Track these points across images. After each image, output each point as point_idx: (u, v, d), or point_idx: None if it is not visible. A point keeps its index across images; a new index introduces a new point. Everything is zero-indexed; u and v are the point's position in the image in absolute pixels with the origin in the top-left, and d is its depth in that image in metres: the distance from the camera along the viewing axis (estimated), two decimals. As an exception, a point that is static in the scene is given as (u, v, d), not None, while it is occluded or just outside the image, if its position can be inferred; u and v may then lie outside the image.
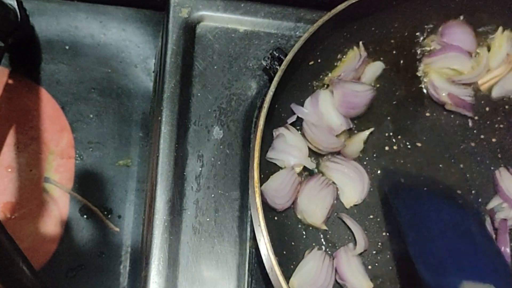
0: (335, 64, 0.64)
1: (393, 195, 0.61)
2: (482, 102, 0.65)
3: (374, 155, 0.63)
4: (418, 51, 0.66)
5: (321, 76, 0.64)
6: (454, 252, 0.55)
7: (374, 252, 0.61)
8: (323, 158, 0.62)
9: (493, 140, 0.64)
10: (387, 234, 0.61)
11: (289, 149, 0.59)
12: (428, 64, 0.65)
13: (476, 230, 0.58)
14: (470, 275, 0.53)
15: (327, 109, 0.62)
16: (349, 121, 0.62)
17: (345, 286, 0.58)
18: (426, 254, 0.55)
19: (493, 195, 0.62)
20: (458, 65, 0.65)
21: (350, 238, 0.61)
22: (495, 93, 0.65)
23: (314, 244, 0.60)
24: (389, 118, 0.64)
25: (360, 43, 0.64)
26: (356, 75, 0.64)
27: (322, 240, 0.60)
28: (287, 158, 0.59)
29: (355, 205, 0.61)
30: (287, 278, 0.55)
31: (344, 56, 0.64)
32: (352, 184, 0.61)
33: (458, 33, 0.65)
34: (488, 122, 0.65)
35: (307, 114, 0.61)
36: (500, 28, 0.65)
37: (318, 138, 0.60)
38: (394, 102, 0.65)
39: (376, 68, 0.65)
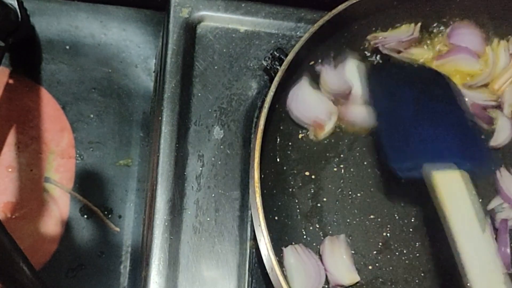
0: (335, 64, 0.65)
1: (372, 74, 0.60)
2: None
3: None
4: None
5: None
6: (423, 134, 0.54)
7: (375, 252, 0.61)
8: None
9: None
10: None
11: None
12: (437, 67, 0.65)
13: (451, 109, 0.56)
14: (433, 156, 0.52)
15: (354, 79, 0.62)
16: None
17: (331, 278, 0.58)
18: (393, 132, 0.54)
19: (494, 195, 0.62)
20: (468, 67, 0.64)
21: (353, 234, 0.61)
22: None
23: (315, 244, 0.60)
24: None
25: (418, 24, 0.64)
26: (397, 47, 0.63)
27: (323, 239, 0.60)
28: None
29: (357, 203, 0.61)
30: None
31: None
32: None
33: (466, 34, 0.65)
34: (488, 123, 0.65)
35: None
36: (496, 40, 0.65)
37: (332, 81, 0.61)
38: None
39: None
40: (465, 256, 0.48)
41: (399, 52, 0.64)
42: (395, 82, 0.59)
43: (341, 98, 0.62)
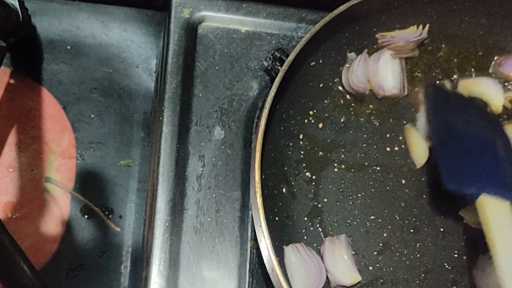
0: (336, 64, 0.65)
1: (428, 98, 0.62)
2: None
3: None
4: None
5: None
6: (479, 164, 0.57)
7: (375, 253, 0.61)
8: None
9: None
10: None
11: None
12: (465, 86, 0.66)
13: (502, 148, 0.59)
14: (489, 188, 0.55)
15: (385, 69, 0.63)
16: (403, 89, 0.64)
17: (332, 279, 0.58)
18: (451, 161, 0.57)
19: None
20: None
21: (353, 234, 0.61)
22: None
23: (315, 245, 0.60)
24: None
25: (427, 26, 0.65)
26: (405, 47, 0.64)
27: (324, 239, 0.60)
28: None
29: (357, 204, 0.61)
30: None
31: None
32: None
33: None
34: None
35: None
36: None
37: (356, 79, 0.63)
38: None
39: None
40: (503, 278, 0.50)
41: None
42: (454, 107, 0.62)
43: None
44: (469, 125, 0.60)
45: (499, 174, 0.57)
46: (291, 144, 0.63)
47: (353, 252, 0.60)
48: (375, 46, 0.65)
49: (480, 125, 0.61)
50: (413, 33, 0.64)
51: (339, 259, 0.58)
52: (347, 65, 0.64)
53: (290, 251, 0.57)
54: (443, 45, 0.67)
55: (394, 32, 0.65)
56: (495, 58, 0.67)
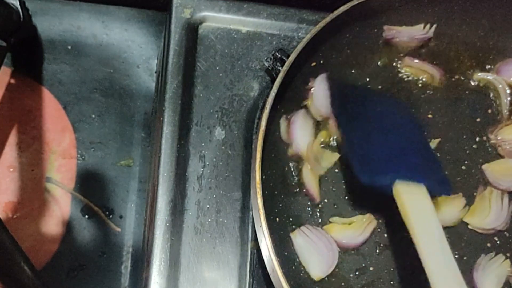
0: (337, 65, 0.65)
1: (335, 94, 0.61)
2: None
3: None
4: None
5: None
6: (390, 152, 0.57)
7: (376, 253, 0.61)
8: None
9: None
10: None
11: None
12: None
13: (413, 134, 0.60)
14: (403, 174, 0.54)
15: None
16: None
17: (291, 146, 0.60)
18: (361, 151, 0.57)
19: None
20: None
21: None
22: None
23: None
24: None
25: (434, 25, 0.65)
26: (409, 43, 0.64)
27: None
28: None
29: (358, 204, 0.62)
30: (288, 278, 0.55)
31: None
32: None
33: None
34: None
35: None
36: None
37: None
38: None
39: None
40: (427, 264, 0.50)
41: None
42: (360, 101, 0.62)
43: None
44: (376, 115, 0.60)
45: (410, 159, 0.56)
46: (291, 144, 0.63)
47: (354, 253, 0.60)
48: (375, 47, 0.65)
49: (387, 114, 0.61)
50: (419, 31, 0.64)
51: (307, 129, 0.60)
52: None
53: (297, 236, 0.58)
54: (444, 45, 0.67)
55: (401, 27, 0.65)
56: (495, 62, 0.67)
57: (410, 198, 0.53)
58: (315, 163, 0.61)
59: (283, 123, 0.61)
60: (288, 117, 0.61)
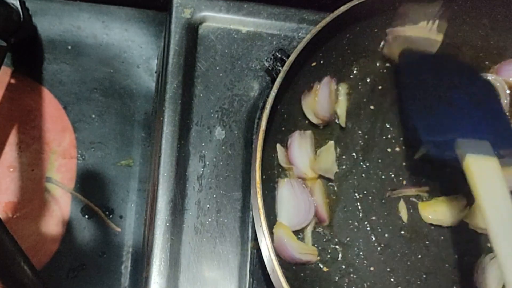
0: (337, 65, 0.65)
1: (402, 59, 0.62)
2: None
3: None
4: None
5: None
6: (451, 112, 0.57)
7: (377, 253, 0.61)
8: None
9: None
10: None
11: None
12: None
13: (475, 93, 0.59)
14: (465, 131, 0.54)
15: None
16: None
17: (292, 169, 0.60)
18: (423, 115, 0.57)
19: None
20: None
21: (355, 235, 0.61)
22: None
23: (316, 245, 0.60)
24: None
25: (436, 21, 0.64)
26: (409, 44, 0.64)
27: (325, 239, 0.60)
28: None
29: (358, 204, 0.61)
30: (283, 271, 0.55)
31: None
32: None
33: None
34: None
35: None
36: None
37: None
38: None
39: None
40: (495, 237, 0.48)
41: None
42: (426, 65, 0.62)
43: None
44: (440, 78, 0.60)
45: (472, 117, 0.56)
46: (292, 144, 0.63)
47: (354, 253, 0.60)
48: (375, 48, 0.65)
49: (451, 76, 0.61)
50: (425, 27, 0.64)
51: (304, 152, 0.60)
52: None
53: (283, 184, 0.59)
54: (444, 45, 0.67)
55: (403, 27, 0.64)
56: (495, 62, 0.67)
57: (482, 171, 0.51)
58: (326, 172, 0.61)
59: (279, 149, 0.61)
60: (283, 144, 0.61)
